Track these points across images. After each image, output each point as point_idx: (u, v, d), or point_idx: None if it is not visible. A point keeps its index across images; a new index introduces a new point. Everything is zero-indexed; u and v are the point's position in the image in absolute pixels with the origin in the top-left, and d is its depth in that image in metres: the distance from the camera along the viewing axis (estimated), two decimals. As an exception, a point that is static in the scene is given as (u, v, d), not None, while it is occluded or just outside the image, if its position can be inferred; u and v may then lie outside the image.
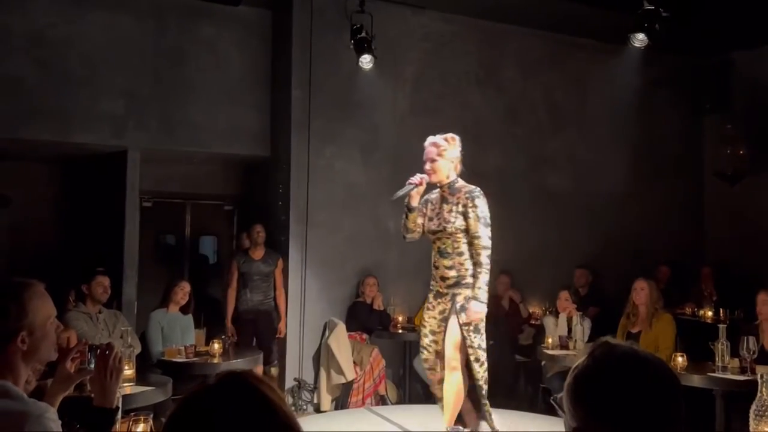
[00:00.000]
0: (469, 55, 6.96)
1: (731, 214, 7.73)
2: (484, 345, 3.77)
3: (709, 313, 6.25)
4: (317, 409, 5.73)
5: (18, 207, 6.45)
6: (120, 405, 2.10)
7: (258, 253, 5.87)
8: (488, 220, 3.69)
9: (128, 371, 3.48)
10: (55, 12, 5.75)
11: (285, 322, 5.92)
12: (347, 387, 5.74)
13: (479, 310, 3.65)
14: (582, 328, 5.00)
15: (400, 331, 6.01)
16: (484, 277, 3.65)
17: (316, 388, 5.92)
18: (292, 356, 6.00)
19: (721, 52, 7.76)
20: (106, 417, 1.86)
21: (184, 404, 1.04)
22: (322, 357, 5.85)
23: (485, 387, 3.79)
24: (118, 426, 2.29)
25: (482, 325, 3.76)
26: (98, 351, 1.93)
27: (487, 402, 3.82)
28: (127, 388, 3.39)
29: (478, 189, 3.77)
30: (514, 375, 6.24)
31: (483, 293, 3.65)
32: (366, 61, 5.89)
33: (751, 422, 2.46)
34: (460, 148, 3.83)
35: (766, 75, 7.43)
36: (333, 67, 6.26)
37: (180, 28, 6.20)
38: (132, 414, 2.45)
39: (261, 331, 5.82)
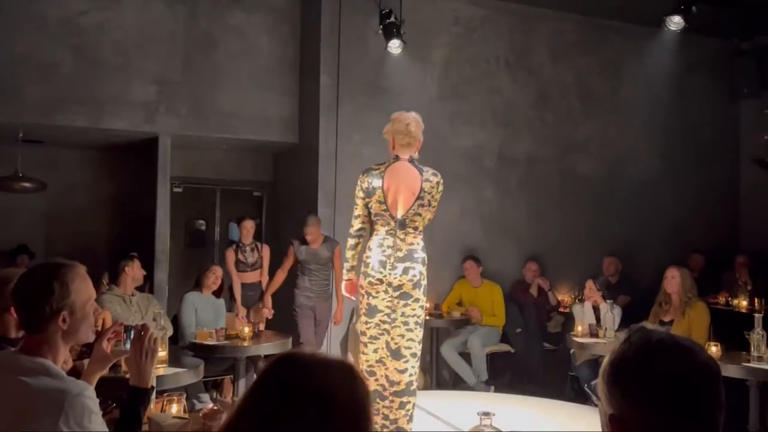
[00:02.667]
0: (499, 40, 6.87)
1: (768, 202, 7.55)
2: (366, 331, 3.57)
3: (744, 303, 6.12)
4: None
5: (53, 192, 6.58)
6: (155, 385, 2.15)
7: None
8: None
9: (161, 353, 3.54)
10: (88, -1, 5.83)
11: (341, 310, 5.65)
12: (375, 372, 5.76)
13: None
14: (612, 316, 4.95)
15: (427, 317, 5.99)
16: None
17: (344, 372, 5.96)
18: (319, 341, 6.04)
19: (758, 35, 7.53)
20: (142, 397, 1.89)
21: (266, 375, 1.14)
22: (350, 341, 5.89)
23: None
24: (152, 406, 2.34)
25: (361, 307, 3.62)
26: (134, 332, 1.97)
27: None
28: (160, 370, 3.45)
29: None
30: (543, 362, 6.21)
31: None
32: (395, 46, 5.85)
33: (789, 413, 2.41)
34: (392, 126, 3.62)
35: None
36: (362, 52, 6.24)
37: (211, 15, 6.24)
38: (165, 394, 2.50)
39: (318, 319, 5.64)
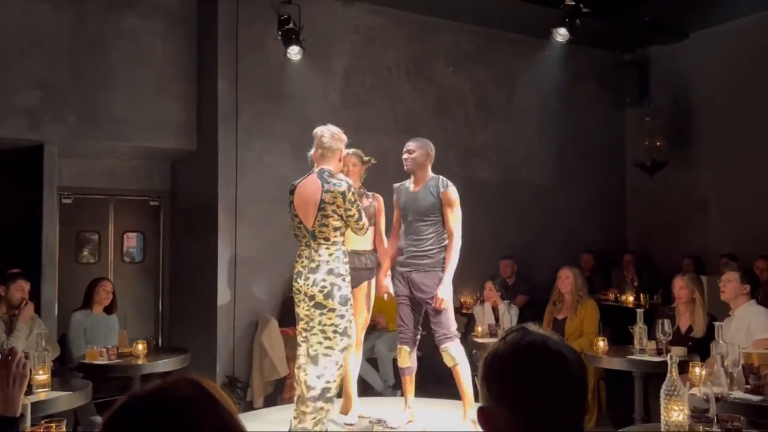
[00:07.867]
0: (399, 48, 6.98)
1: (650, 203, 8.08)
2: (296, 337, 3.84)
3: (631, 299, 6.49)
4: (249, 407, 5.64)
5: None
6: (27, 413, 2.01)
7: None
8: None
9: (43, 376, 3.33)
10: (-40, -2, 5.42)
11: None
12: (280, 383, 5.69)
13: None
14: (510, 315, 5.12)
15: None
16: None
17: (248, 385, 5.83)
18: (223, 353, 5.89)
19: (638, 47, 8.07)
20: (10, 426, 1.76)
21: (126, 404, 0.94)
22: (255, 354, 5.77)
23: None
24: (27, 434, 2.19)
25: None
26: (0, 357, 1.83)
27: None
28: (42, 394, 3.24)
29: None
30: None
31: None
32: (294, 52, 5.81)
33: (662, 402, 2.56)
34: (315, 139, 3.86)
35: (681, 70, 7.78)
36: (261, 58, 6.15)
37: (100, 18, 5.95)
38: (43, 421, 2.35)
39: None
